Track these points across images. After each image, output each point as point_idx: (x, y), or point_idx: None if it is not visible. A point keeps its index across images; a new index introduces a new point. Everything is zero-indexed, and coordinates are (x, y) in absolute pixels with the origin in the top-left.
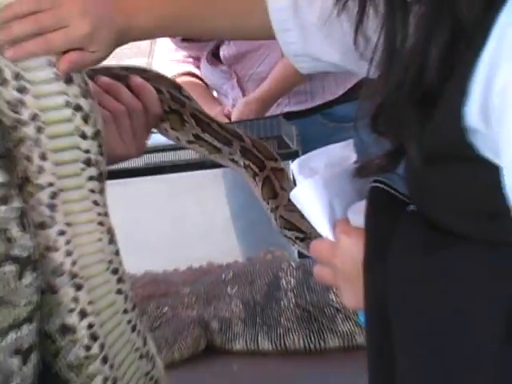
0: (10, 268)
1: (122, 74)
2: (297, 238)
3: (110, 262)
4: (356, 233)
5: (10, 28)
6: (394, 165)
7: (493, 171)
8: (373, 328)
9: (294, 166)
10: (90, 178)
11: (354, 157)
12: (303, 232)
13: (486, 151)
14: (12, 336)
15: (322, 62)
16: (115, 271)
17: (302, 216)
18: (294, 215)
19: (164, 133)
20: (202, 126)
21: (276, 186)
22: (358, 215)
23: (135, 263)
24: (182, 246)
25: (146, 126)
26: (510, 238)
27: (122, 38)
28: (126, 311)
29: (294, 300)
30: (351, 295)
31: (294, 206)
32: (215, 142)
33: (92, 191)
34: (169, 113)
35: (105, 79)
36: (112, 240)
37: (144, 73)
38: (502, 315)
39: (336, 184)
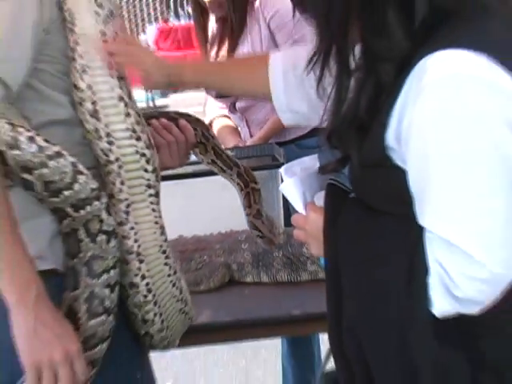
0: (101, 237)
1: (175, 117)
2: (257, 236)
3: (161, 246)
4: (319, 210)
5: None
6: (342, 167)
7: (403, 174)
8: (329, 268)
9: (282, 170)
10: (150, 195)
11: (317, 164)
12: (262, 233)
13: (398, 161)
14: (104, 277)
15: (299, 115)
16: (164, 252)
17: (263, 222)
18: (258, 221)
19: (196, 155)
20: (217, 155)
21: (251, 200)
22: (320, 200)
23: (189, 231)
24: (215, 222)
25: (186, 150)
26: (414, 215)
27: (174, 82)
28: (169, 275)
29: (281, 252)
30: (316, 248)
31: (260, 215)
32: (223, 166)
33: (151, 203)
34: (199, 143)
35: (164, 120)
36: (163, 232)
37: (188, 117)
38: (406, 256)
39: (307, 181)
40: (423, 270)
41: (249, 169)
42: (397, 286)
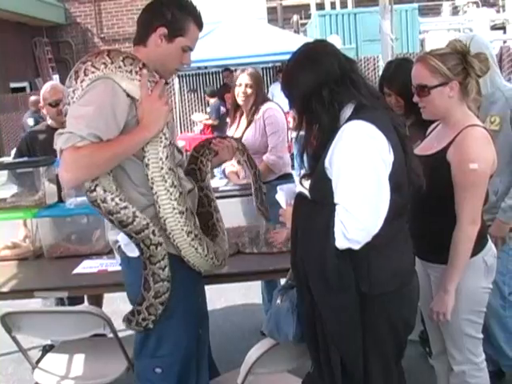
0: (152, 247)
1: (224, 137)
2: (261, 214)
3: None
4: (292, 207)
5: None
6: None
7: (330, 182)
8: (292, 231)
9: (278, 187)
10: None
11: (294, 187)
12: (262, 212)
13: (331, 176)
14: (159, 264)
15: None
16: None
17: (263, 206)
18: (262, 206)
19: (236, 157)
20: (248, 157)
21: (258, 193)
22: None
23: None
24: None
25: (233, 150)
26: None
27: None
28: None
29: (263, 237)
30: (289, 224)
31: (262, 202)
32: (250, 164)
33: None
34: (239, 149)
35: (218, 139)
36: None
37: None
38: (326, 220)
39: (288, 193)
40: (333, 225)
41: (261, 172)
42: (322, 233)
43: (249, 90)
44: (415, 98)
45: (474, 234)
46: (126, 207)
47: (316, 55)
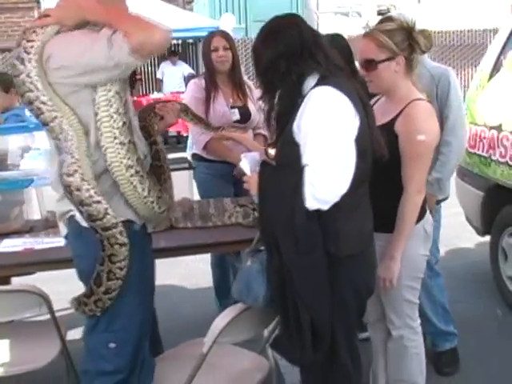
0: (116, 246)
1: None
2: None
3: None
4: (256, 174)
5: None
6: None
7: (298, 146)
8: (259, 197)
9: (242, 155)
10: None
11: (257, 155)
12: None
13: (299, 140)
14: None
15: None
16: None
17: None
18: None
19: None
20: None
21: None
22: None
23: None
24: None
25: (177, 113)
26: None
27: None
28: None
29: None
30: (254, 190)
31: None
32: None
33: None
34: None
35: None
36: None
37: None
38: (294, 181)
39: (252, 161)
40: (302, 186)
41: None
42: (290, 194)
43: (229, 54)
44: (362, 72)
45: (420, 203)
46: (99, 202)
47: (277, 28)
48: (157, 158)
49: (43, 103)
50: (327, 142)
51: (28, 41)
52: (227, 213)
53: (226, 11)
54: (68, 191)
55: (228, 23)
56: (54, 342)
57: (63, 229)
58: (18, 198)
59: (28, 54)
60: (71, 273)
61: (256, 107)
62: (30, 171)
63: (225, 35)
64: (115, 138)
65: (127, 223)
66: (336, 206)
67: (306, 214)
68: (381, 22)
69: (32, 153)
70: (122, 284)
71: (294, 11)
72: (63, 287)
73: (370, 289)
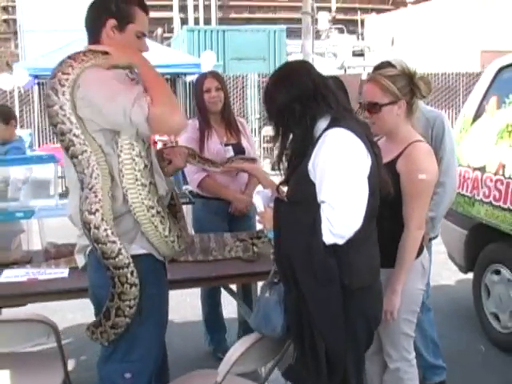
0: (126, 286)
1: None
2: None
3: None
4: (270, 209)
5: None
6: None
7: (314, 185)
8: (275, 232)
9: (254, 193)
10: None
11: (269, 192)
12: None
13: (314, 179)
14: (126, 297)
15: None
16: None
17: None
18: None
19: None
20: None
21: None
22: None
23: None
24: None
25: (185, 157)
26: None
27: None
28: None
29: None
30: (268, 225)
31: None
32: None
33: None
34: (190, 154)
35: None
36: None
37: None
38: (312, 219)
39: (264, 197)
40: (320, 222)
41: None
42: (307, 230)
43: (221, 94)
44: (365, 114)
45: (420, 238)
46: (114, 242)
47: (290, 72)
48: (171, 197)
49: (76, 136)
50: (344, 181)
51: (64, 73)
52: (227, 247)
53: (205, 49)
54: (87, 228)
55: (209, 60)
56: (58, 372)
57: (81, 260)
58: (18, 227)
59: (62, 86)
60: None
61: (250, 142)
62: (31, 202)
63: (216, 76)
64: (137, 179)
65: (149, 256)
66: (348, 240)
67: (323, 248)
68: (379, 67)
69: (31, 184)
70: (143, 314)
71: (271, 51)
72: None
73: (378, 320)
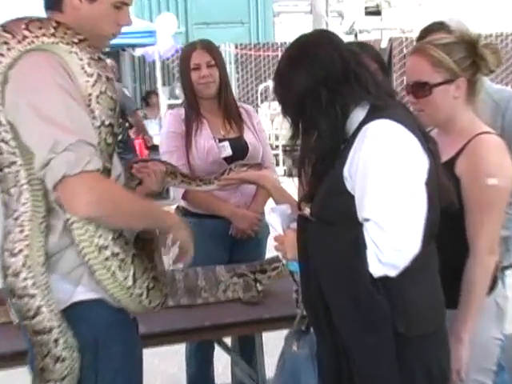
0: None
1: (147, 160)
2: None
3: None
4: (293, 232)
5: None
6: (310, 201)
7: (352, 198)
8: (302, 263)
9: (266, 209)
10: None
11: (288, 208)
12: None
13: (349, 188)
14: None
15: None
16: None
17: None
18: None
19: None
20: (183, 176)
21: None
22: (294, 226)
23: None
24: None
25: (160, 177)
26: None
27: None
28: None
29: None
30: (291, 254)
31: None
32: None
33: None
34: (170, 173)
35: (141, 163)
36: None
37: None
38: (353, 241)
39: (281, 215)
40: (364, 247)
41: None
42: (350, 257)
43: (215, 72)
44: (411, 99)
45: (492, 267)
46: (33, 296)
47: (310, 48)
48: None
49: (4, 142)
50: (394, 191)
51: None
52: (222, 285)
53: (160, 11)
54: (3, 272)
55: (167, 26)
56: None
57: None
58: None
59: None
60: None
61: (261, 137)
62: None
63: (208, 47)
64: None
65: (104, 302)
66: (403, 270)
67: (371, 281)
68: (429, 31)
69: None
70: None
71: (252, 12)
72: None
73: (445, 375)
